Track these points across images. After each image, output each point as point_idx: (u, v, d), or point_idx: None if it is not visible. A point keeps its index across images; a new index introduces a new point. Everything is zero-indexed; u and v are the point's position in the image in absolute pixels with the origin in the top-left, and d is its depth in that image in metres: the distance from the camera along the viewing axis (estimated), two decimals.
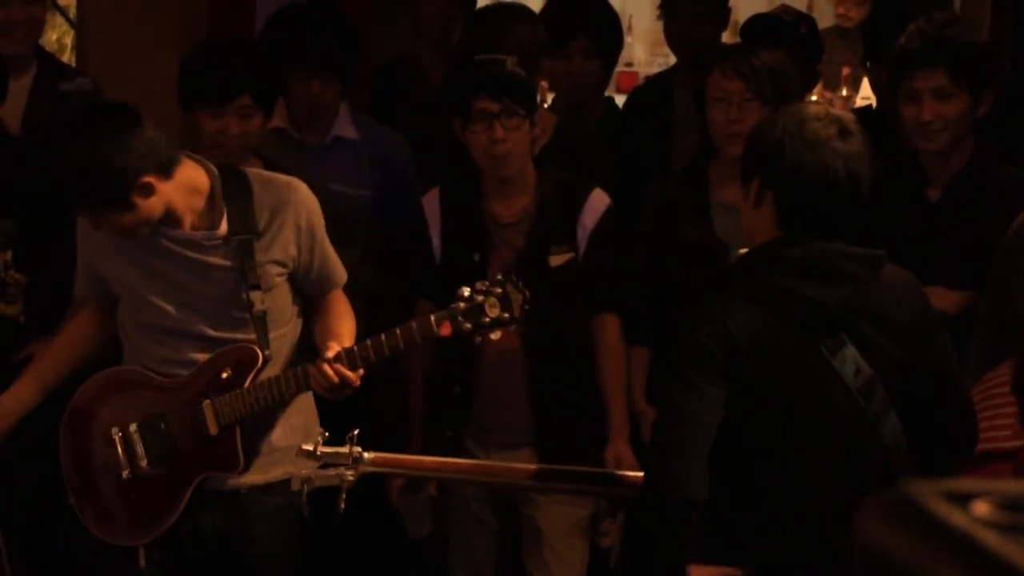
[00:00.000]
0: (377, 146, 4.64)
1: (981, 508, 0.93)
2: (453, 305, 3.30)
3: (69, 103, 4.58)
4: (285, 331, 3.56)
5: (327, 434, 2.95)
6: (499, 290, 3.30)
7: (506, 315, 3.31)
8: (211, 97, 3.89)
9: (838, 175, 2.72)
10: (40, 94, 4.67)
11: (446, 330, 3.30)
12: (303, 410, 3.61)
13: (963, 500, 0.94)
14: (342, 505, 2.92)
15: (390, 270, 4.49)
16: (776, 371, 2.69)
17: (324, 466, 2.93)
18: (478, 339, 3.35)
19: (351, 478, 2.92)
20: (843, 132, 2.74)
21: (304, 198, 3.56)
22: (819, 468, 2.73)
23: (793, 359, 2.70)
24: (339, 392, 3.37)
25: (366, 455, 2.92)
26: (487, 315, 3.30)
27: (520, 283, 3.34)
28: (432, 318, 3.32)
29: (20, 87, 4.63)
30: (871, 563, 0.95)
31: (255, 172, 3.61)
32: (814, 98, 5.63)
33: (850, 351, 2.70)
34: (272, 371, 3.47)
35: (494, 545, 4.23)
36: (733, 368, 2.68)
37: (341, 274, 3.66)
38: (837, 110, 2.82)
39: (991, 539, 0.89)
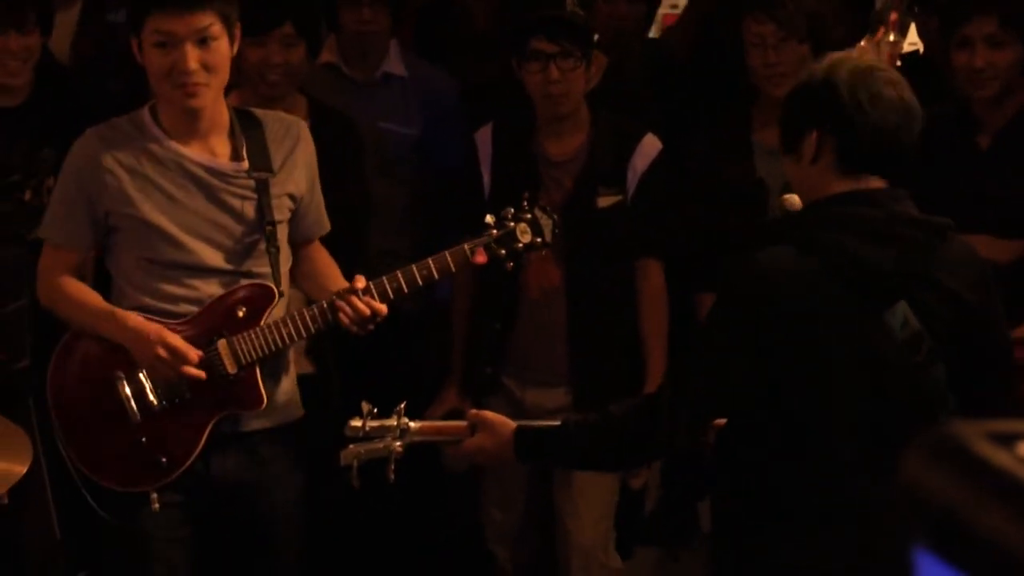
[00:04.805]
0: (426, 84, 4.62)
1: None
2: (486, 233, 3.30)
3: (116, 34, 4.59)
4: (287, 270, 3.49)
5: (376, 410, 2.97)
6: (529, 215, 3.30)
7: (538, 240, 3.32)
8: (254, 24, 3.83)
9: (904, 120, 2.68)
10: (88, 25, 4.68)
11: (481, 257, 3.29)
12: None
13: (1008, 440, 0.93)
14: (391, 475, 2.94)
15: (435, 209, 4.49)
16: (821, 327, 2.64)
17: (371, 438, 2.95)
18: (510, 264, 3.34)
19: (399, 449, 2.95)
20: (899, 82, 2.69)
21: (309, 136, 3.51)
22: (861, 426, 2.68)
23: (841, 314, 2.65)
24: (367, 325, 3.31)
25: (412, 424, 2.94)
26: (519, 240, 3.30)
27: (548, 207, 3.33)
28: (466, 247, 3.30)
29: (68, 19, 4.64)
30: (912, 503, 0.94)
31: (261, 111, 3.53)
32: (862, 43, 5.57)
33: (901, 305, 2.66)
34: (280, 310, 3.41)
35: (526, 482, 4.25)
36: (771, 327, 2.65)
37: (327, 223, 3.57)
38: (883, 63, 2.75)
39: None
